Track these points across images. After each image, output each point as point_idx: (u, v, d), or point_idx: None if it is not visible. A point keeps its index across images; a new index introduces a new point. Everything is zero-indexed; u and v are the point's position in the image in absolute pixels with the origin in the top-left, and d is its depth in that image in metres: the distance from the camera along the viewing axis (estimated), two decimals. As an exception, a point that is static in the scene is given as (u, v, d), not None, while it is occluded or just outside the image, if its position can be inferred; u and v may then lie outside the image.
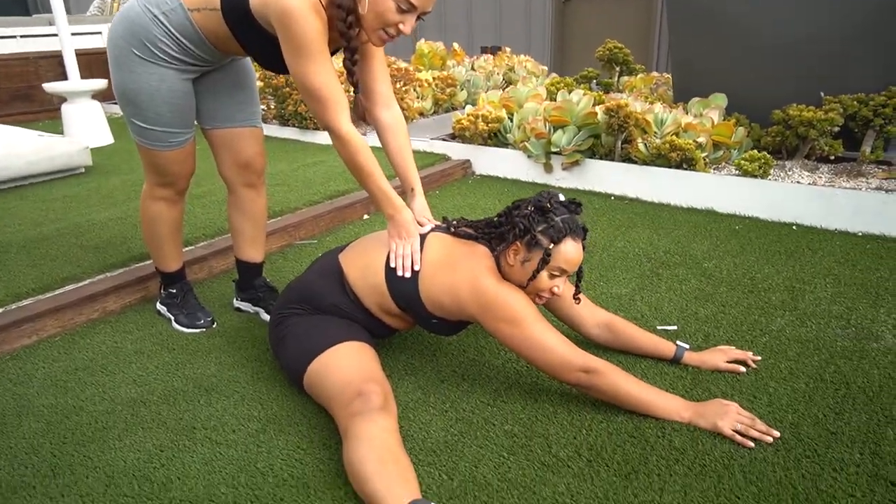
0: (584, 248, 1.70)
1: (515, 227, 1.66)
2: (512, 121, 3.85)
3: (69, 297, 2.29)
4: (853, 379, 1.80)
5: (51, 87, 5.11)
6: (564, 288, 1.87)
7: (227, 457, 1.59)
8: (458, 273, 1.67)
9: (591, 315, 1.94)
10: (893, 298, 2.23)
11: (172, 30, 1.77)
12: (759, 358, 1.89)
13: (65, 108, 5.03)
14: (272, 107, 5.14)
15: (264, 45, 1.76)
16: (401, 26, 1.62)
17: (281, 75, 1.81)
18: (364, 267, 1.79)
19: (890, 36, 3.14)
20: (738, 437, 1.56)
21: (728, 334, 2.06)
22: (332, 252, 1.91)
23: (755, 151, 3.10)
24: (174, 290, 2.27)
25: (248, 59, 2.10)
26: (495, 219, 1.77)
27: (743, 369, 1.84)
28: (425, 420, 1.69)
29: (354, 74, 1.75)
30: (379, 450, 1.40)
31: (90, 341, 2.17)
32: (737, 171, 3.19)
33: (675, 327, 2.11)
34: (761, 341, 2.00)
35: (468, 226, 1.81)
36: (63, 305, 2.25)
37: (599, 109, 3.41)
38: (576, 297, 1.85)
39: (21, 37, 6.90)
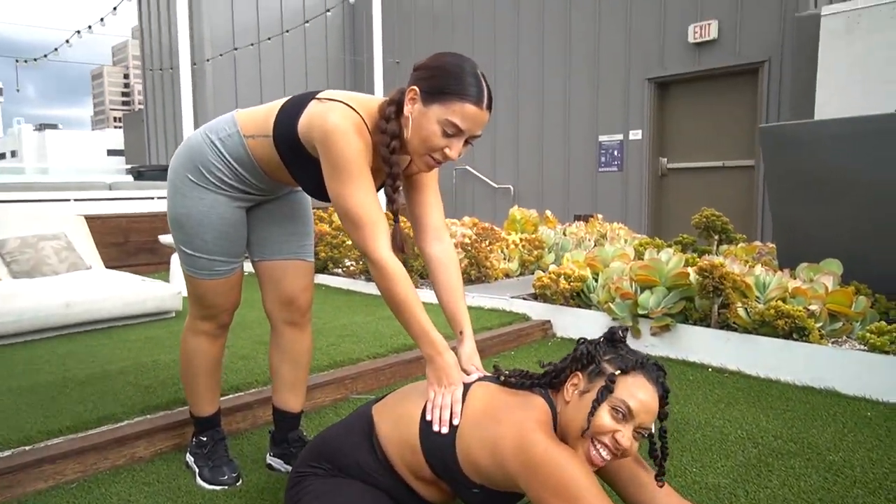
0: (663, 407, 1.37)
1: (577, 354, 1.41)
2: (597, 281, 3.59)
3: (97, 440, 2.11)
4: None
5: (164, 239, 5.40)
6: (639, 465, 1.50)
7: None
8: (503, 425, 1.36)
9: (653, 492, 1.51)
10: None
11: (227, 155, 1.75)
12: None
13: (173, 257, 5.27)
14: (360, 263, 5.14)
15: (311, 173, 1.68)
16: (447, 151, 1.53)
17: (329, 203, 1.70)
18: (397, 418, 1.53)
19: None
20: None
21: (865, 553, 1.56)
22: (369, 403, 1.65)
23: (884, 323, 2.65)
24: (205, 439, 2.05)
25: (305, 193, 2.02)
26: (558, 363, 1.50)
27: None
28: None
29: (395, 202, 1.64)
30: None
31: (105, 490, 1.95)
32: (862, 346, 2.73)
33: (790, 537, 1.64)
34: (914, 567, 1.49)
35: (523, 376, 1.51)
36: (87, 448, 2.06)
37: (692, 270, 3.09)
38: (658, 478, 1.45)
39: (158, 198, 7.57)
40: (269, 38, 10.89)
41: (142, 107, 15.16)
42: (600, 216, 6.22)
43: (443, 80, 1.50)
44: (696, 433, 2.29)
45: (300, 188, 1.96)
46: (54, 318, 3.54)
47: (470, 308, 1.79)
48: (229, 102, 10.18)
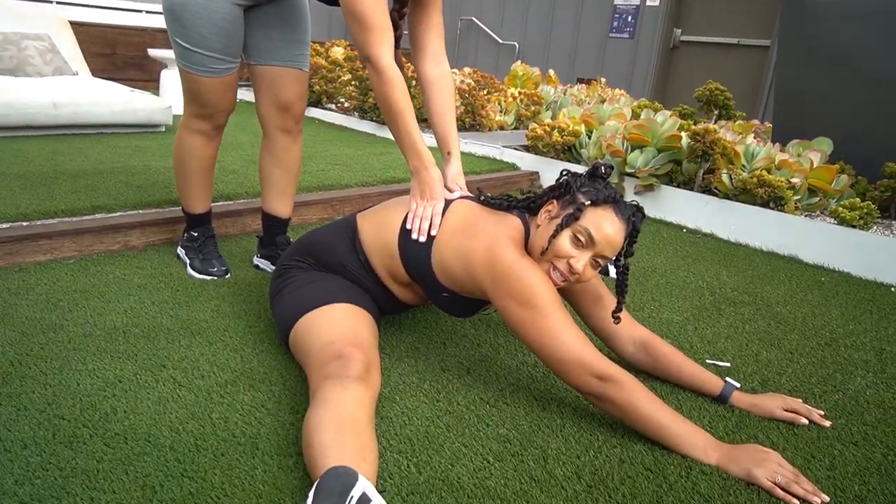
0: (629, 245, 1.46)
1: (557, 183, 1.46)
2: (590, 138, 3.61)
3: (92, 224, 2.21)
4: (943, 458, 1.44)
5: (154, 52, 5.26)
6: (601, 292, 1.63)
7: (184, 400, 1.41)
8: (477, 238, 1.44)
9: (627, 330, 1.64)
10: None
11: None
12: (828, 424, 1.52)
13: (163, 73, 5.16)
14: (354, 99, 5.09)
15: None
16: None
17: (332, 6, 1.67)
18: (379, 224, 1.61)
19: None
20: (779, 492, 1.23)
21: (792, 383, 1.73)
22: (354, 212, 1.73)
23: (858, 200, 2.73)
24: (195, 234, 2.14)
25: (306, 16, 1.98)
26: (539, 191, 1.55)
27: (804, 421, 1.50)
28: (412, 406, 1.47)
29: (399, 28, 1.64)
30: (341, 419, 1.18)
31: (100, 269, 2.07)
32: (833, 221, 2.83)
33: (727, 364, 1.81)
34: (832, 398, 1.67)
35: (503, 198, 1.58)
36: (84, 230, 2.17)
37: (684, 134, 3.12)
38: (615, 315, 1.56)
39: (147, 12, 7.23)
40: None
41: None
42: (603, 80, 6.11)
43: None
44: (659, 279, 2.43)
45: None
46: (42, 116, 3.54)
47: (461, 154, 1.82)
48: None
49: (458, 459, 1.29)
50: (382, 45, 1.53)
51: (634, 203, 1.48)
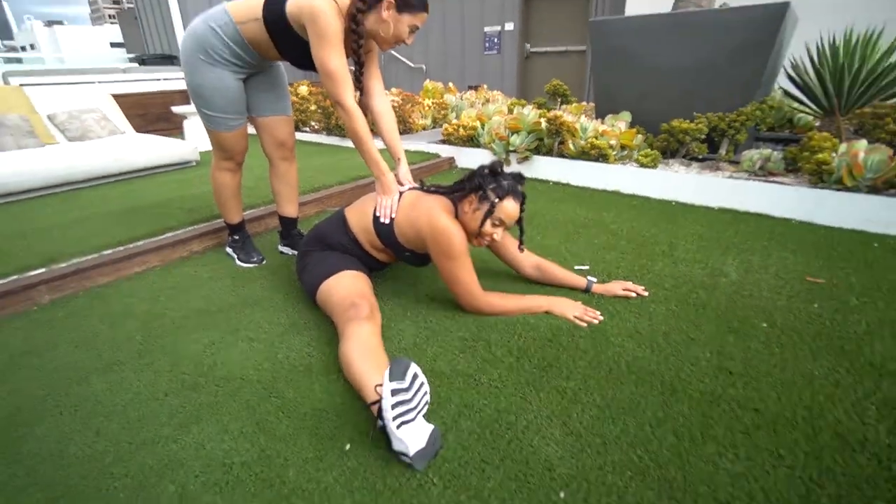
0: (522, 209, 1.51)
1: (473, 182, 1.49)
2: (483, 129, 3.62)
3: (167, 241, 2.14)
4: (708, 302, 1.63)
5: (176, 108, 4.89)
6: (509, 239, 1.71)
7: (258, 350, 1.45)
8: (421, 210, 1.49)
9: (527, 259, 1.76)
10: (737, 250, 2.05)
11: (226, 38, 1.63)
12: (647, 294, 1.69)
13: (185, 122, 4.82)
14: (321, 122, 4.91)
15: (294, 47, 1.61)
16: (408, 41, 1.57)
17: (307, 70, 1.64)
18: (359, 213, 1.63)
19: (741, 69, 2.90)
20: (578, 321, 1.52)
21: (625, 272, 1.88)
22: (342, 207, 1.74)
23: (649, 150, 2.89)
24: (237, 237, 2.11)
25: (281, 66, 1.91)
26: (460, 181, 1.58)
27: (634, 295, 1.68)
28: (402, 328, 1.54)
29: (361, 81, 1.70)
30: (363, 346, 1.26)
31: (180, 271, 2.03)
32: (636, 164, 2.97)
33: (587, 267, 1.94)
34: (647, 277, 1.83)
35: (438, 187, 1.63)
36: (163, 246, 2.11)
37: (543, 120, 3.19)
38: (520, 247, 1.67)
39: (164, 79, 6.68)
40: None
41: (130, 5, 12.58)
42: (485, 86, 6.05)
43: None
44: (540, 219, 2.51)
45: (279, 63, 1.85)
46: (110, 168, 3.30)
47: (405, 157, 1.82)
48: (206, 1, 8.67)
49: (438, 356, 1.38)
50: (346, 91, 1.54)
51: (518, 173, 1.52)
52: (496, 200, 1.45)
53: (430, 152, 3.86)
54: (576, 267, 1.93)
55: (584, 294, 1.71)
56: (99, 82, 5.96)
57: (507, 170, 3.33)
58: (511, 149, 3.31)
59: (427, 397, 1.05)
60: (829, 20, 4.83)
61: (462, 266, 1.46)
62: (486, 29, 7.92)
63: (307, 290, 1.61)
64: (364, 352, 1.23)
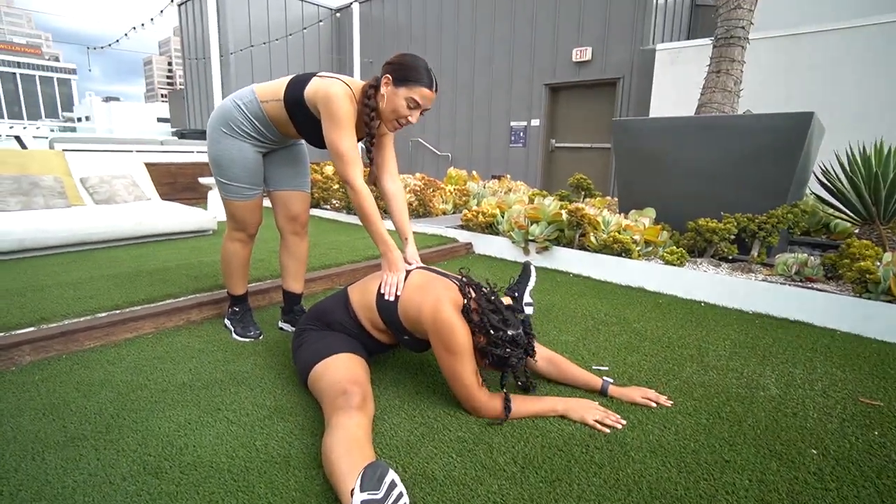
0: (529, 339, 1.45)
1: (484, 324, 1.40)
2: (503, 217, 3.70)
3: (164, 308, 2.14)
4: (744, 418, 1.49)
5: (202, 180, 5.19)
6: None
7: (235, 434, 1.36)
8: (428, 295, 1.45)
9: (540, 352, 1.68)
10: (776, 360, 1.92)
11: (249, 115, 1.75)
12: (671, 403, 1.56)
13: (209, 193, 5.08)
14: (342, 200, 5.10)
15: (311, 126, 1.71)
16: (409, 118, 1.62)
17: (321, 149, 1.74)
18: (362, 292, 1.61)
19: (769, 172, 2.95)
20: (598, 426, 1.41)
21: (647, 377, 1.77)
22: (346, 286, 1.73)
23: (675, 248, 2.86)
24: (237, 309, 2.09)
25: (304, 144, 2.01)
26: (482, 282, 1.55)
27: (654, 405, 1.55)
28: (396, 422, 1.44)
29: (371, 153, 1.75)
30: (347, 440, 1.16)
31: (172, 340, 1.99)
32: (661, 262, 2.94)
33: (606, 368, 1.84)
34: (673, 384, 1.71)
35: (449, 275, 1.60)
36: (159, 313, 2.10)
37: (564, 211, 3.24)
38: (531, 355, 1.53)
39: (197, 152, 7.21)
40: (276, 39, 10.24)
41: (182, 86, 14.03)
42: (508, 176, 6.30)
43: (406, 72, 1.58)
44: (558, 313, 2.45)
45: (302, 140, 1.96)
46: (128, 231, 3.44)
47: (416, 234, 1.85)
48: (247, 83, 9.59)
49: (431, 458, 1.27)
50: (356, 172, 1.62)
51: (526, 326, 1.45)
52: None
53: (447, 236, 3.92)
54: (593, 367, 1.83)
55: (600, 396, 1.59)
56: (137, 151, 6.45)
57: (523, 258, 3.35)
58: (530, 238, 3.34)
59: None
60: (855, 133, 4.99)
61: (464, 363, 1.39)
62: (513, 123, 8.46)
63: (299, 371, 1.55)
64: (347, 447, 1.14)
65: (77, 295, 2.24)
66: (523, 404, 1.46)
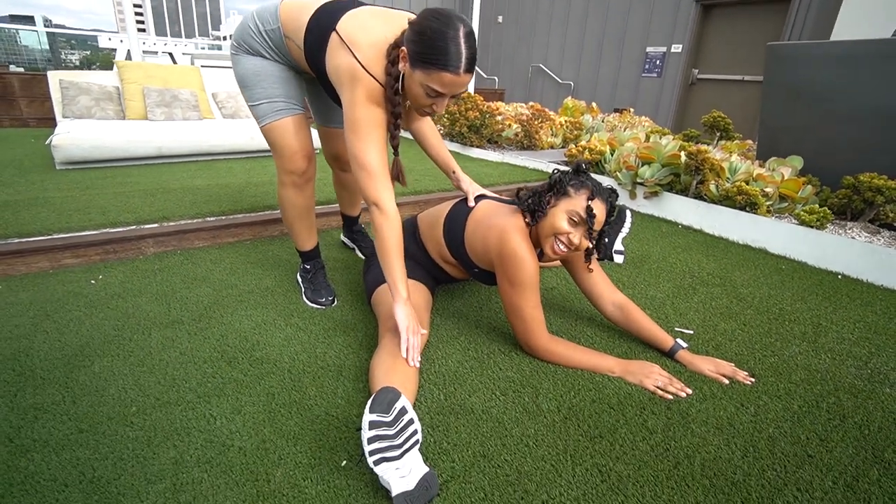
0: (608, 221, 1.39)
1: (551, 181, 1.39)
2: (612, 155, 3.42)
3: (262, 218, 2.34)
4: (852, 414, 1.29)
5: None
6: (594, 267, 1.55)
7: (300, 340, 1.51)
8: (493, 226, 1.41)
9: (609, 293, 1.57)
10: (924, 355, 1.61)
11: (271, 42, 1.49)
12: (753, 380, 1.40)
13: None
14: (446, 127, 5.07)
15: (327, 86, 1.49)
16: (434, 107, 1.26)
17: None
18: (430, 223, 1.62)
19: None
20: (660, 392, 1.30)
21: (738, 348, 1.59)
22: (415, 215, 1.75)
23: (816, 206, 2.44)
24: (308, 266, 1.84)
25: None
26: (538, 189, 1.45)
27: (726, 381, 1.39)
28: (448, 352, 1.48)
29: (395, 138, 1.39)
30: (394, 358, 1.23)
31: (265, 248, 2.22)
32: (796, 222, 2.53)
33: (691, 331, 1.68)
34: (768, 361, 1.52)
35: (516, 196, 1.50)
36: (257, 222, 2.32)
37: (683, 153, 2.89)
38: (588, 266, 1.52)
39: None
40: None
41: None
42: (632, 110, 5.75)
43: (425, 47, 1.16)
44: (652, 265, 2.28)
45: None
46: (243, 145, 3.77)
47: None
48: None
49: (475, 392, 1.30)
50: (385, 191, 1.31)
51: (610, 187, 1.42)
52: (573, 192, 1.35)
53: (548, 171, 3.75)
54: (676, 328, 1.69)
55: (666, 358, 1.48)
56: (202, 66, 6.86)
57: (629, 203, 3.10)
58: (639, 181, 3.07)
59: (417, 437, 0.98)
60: None
61: (527, 298, 1.36)
62: (649, 49, 7.55)
63: (366, 291, 1.64)
64: (392, 363, 1.21)
65: (194, 199, 2.56)
66: (581, 354, 1.41)
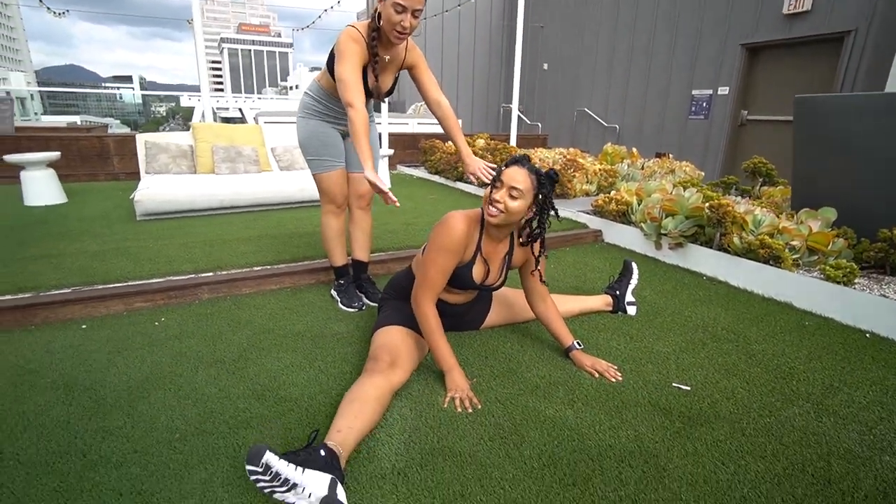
0: (537, 183, 1.60)
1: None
2: (639, 205, 3.49)
3: (302, 268, 2.61)
4: (838, 480, 1.31)
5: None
6: (536, 274, 1.84)
7: (319, 381, 1.70)
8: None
9: (541, 297, 1.88)
10: (938, 423, 1.57)
11: (314, 95, 2.12)
12: (621, 378, 1.75)
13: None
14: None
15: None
16: (403, 23, 1.77)
17: (381, 100, 2.14)
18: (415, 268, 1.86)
19: None
20: (456, 403, 1.56)
21: (734, 407, 1.62)
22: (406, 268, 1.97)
23: (843, 261, 2.41)
24: (342, 282, 2.38)
25: (377, 131, 2.28)
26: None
27: (596, 374, 1.76)
28: (444, 395, 1.63)
29: (375, 77, 1.95)
30: (351, 396, 1.43)
31: (302, 295, 2.47)
32: (822, 276, 2.50)
33: (688, 388, 1.73)
34: (763, 421, 1.55)
35: None
36: (297, 272, 2.58)
37: (706, 205, 2.94)
38: (537, 270, 1.83)
39: (389, 123, 8.12)
40: (446, 11, 10.69)
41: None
42: (671, 155, 5.77)
43: None
44: (665, 318, 2.31)
45: (374, 127, 2.23)
46: (294, 196, 4.18)
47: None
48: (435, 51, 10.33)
49: (465, 436, 1.43)
50: (356, 96, 1.79)
51: (552, 169, 1.64)
52: (502, 168, 1.59)
53: (577, 220, 3.86)
54: (673, 384, 1.75)
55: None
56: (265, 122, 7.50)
57: (654, 254, 3.14)
58: (663, 231, 3.13)
59: (294, 480, 1.09)
60: None
61: (436, 260, 1.61)
62: (695, 92, 7.57)
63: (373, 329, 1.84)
64: (350, 398, 1.41)
65: (245, 250, 2.90)
66: (437, 337, 1.63)
